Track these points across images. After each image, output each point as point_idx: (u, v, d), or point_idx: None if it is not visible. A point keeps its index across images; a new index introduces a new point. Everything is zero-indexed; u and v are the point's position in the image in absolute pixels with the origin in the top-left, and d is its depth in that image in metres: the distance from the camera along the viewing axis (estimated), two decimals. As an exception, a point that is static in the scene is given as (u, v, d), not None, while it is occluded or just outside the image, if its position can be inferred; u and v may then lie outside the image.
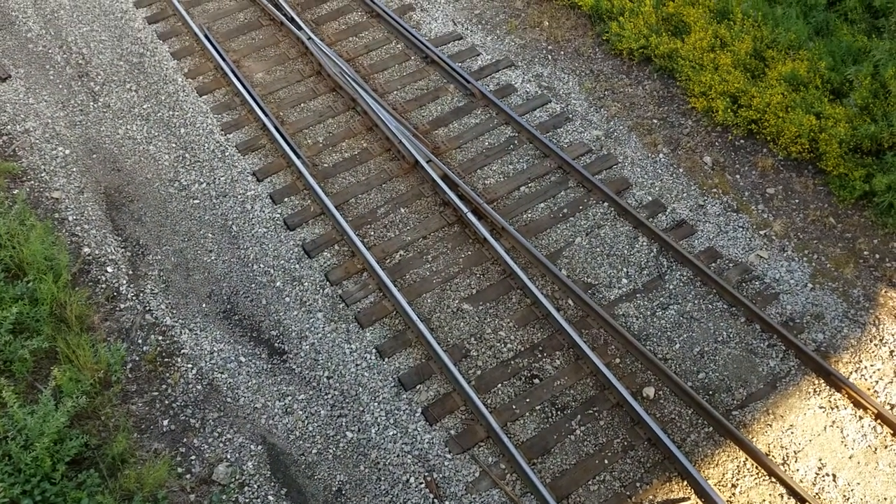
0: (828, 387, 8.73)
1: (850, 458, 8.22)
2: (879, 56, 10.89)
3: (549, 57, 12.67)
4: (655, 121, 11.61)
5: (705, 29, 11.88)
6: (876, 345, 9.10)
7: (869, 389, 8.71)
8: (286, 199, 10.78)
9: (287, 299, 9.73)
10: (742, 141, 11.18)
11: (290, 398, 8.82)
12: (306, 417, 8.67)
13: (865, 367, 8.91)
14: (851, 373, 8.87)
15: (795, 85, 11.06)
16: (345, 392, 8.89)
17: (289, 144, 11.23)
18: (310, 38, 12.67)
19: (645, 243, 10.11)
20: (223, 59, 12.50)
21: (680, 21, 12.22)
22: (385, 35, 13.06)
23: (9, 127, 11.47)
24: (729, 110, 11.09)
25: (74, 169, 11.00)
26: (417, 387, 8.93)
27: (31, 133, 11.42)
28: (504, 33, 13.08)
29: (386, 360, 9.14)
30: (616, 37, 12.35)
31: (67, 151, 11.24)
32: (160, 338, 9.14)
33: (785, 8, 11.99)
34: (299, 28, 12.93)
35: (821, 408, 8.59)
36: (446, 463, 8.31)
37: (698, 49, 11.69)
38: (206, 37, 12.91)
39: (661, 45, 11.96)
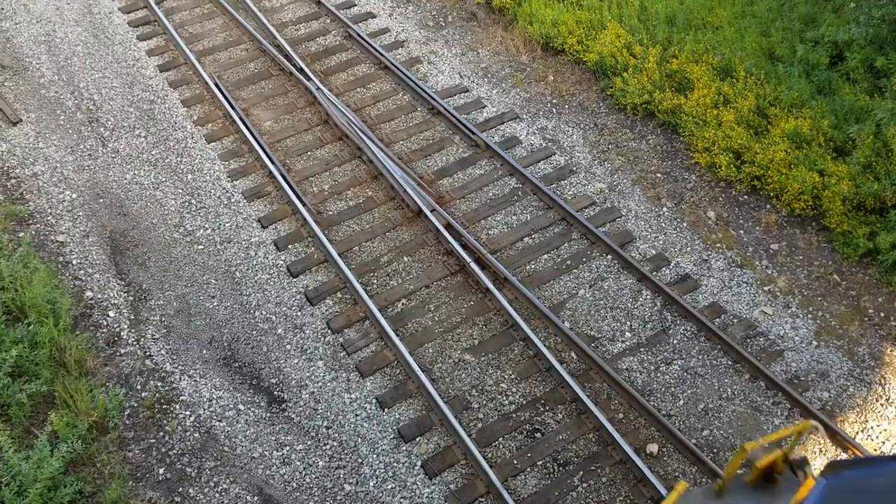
0: (834, 446, 8.59)
1: (857, 520, 8.05)
2: (881, 115, 11.00)
3: (554, 110, 12.82)
4: (659, 175, 11.68)
5: (708, 86, 12.03)
6: (882, 404, 8.99)
7: (876, 450, 8.57)
8: (290, 246, 10.81)
9: (288, 347, 9.68)
10: (745, 196, 11.22)
11: (288, 448, 8.70)
12: (304, 468, 8.54)
13: (872, 428, 8.78)
14: (858, 433, 8.74)
15: (798, 142, 11.15)
16: (343, 443, 8.77)
17: (294, 192, 11.31)
18: (318, 89, 12.86)
19: (649, 297, 10.08)
20: (232, 108, 12.66)
21: (683, 78, 12.39)
22: (392, 86, 13.25)
23: (17, 170, 11.58)
24: (732, 166, 11.17)
25: (81, 213, 11.07)
26: (417, 439, 8.82)
27: (39, 177, 11.53)
28: (510, 87, 13.27)
29: (386, 410, 9.04)
30: (620, 92, 12.51)
31: (74, 195, 11.32)
32: (159, 384, 9.07)
33: (787, 67, 12.15)
34: (308, 79, 13.13)
35: (827, 468, 8.44)
36: (445, 518, 8.16)
37: (701, 105, 11.83)
38: (217, 85, 13.11)
39: (665, 100, 12.11)
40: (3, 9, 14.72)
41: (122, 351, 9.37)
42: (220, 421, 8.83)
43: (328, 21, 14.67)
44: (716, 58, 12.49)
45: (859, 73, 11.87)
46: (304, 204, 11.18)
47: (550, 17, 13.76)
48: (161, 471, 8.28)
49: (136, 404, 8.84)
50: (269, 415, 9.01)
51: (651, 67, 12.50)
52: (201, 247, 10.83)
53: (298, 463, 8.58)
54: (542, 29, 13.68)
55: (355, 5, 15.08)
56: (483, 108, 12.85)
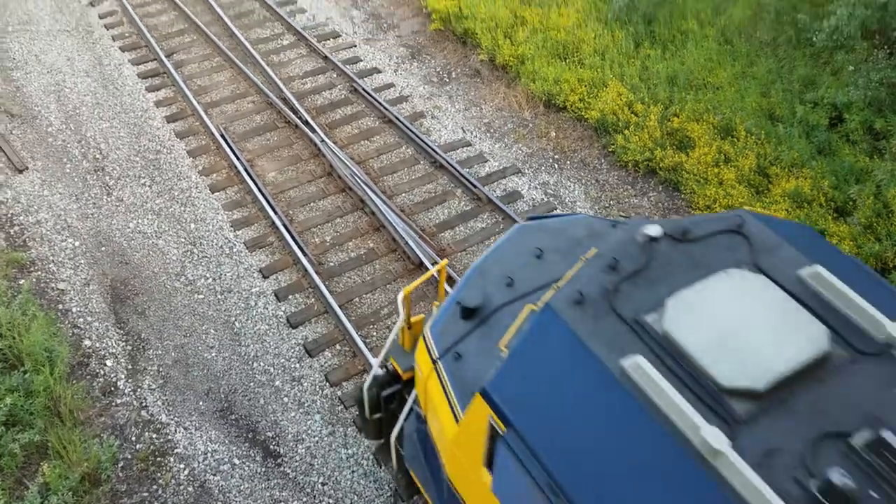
0: None
1: None
2: (881, 176, 11.07)
3: (556, 166, 12.92)
4: (660, 232, 11.69)
5: (709, 144, 12.14)
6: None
7: None
8: (290, 297, 10.78)
9: (285, 399, 9.58)
10: (747, 254, 11.21)
11: (282, 504, 8.54)
12: (298, 525, 8.37)
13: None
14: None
15: (799, 201, 11.19)
16: (339, 500, 8.61)
17: (296, 242, 11.33)
18: (323, 141, 12.99)
19: (650, 354, 9.99)
20: (237, 158, 12.78)
21: (684, 136, 12.51)
22: (396, 140, 13.39)
23: (21, 217, 11.63)
24: (733, 224, 11.18)
25: (82, 261, 11.08)
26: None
27: (42, 224, 11.57)
28: (512, 142, 13.40)
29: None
30: (622, 149, 12.63)
31: (77, 243, 11.35)
32: (154, 435, 8.95)
33: (787, 127, 12.28)
34: (313, 131, 13.28)
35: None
36: (441, 580, 7.95)
37: (703, 163, 11.92)
38: (223, 136, 13.26)
39: (666, 158, 12.20)
40: (15, 59, 15.00)
41: (118, 401, 9.28)
42: (215, 475, 8.68)
43: (334, 75, 14.91)
44: (716, 117, 12.63)
45: (859, 134, 11.99)
46: (305, 255, 11.20)
47: (553, 75, 13.97)
48: (152, 526, 8.12)
49: (130, 456, 8.71)
50: (264, 469, 8.87)
51: (652, 125, 12.64)
52: (201, 296, 10.81)
53: (293, 520, 8.41)
54: (544, 86, 13.88)
55: (361, 61, 15.35)
56: (485, 162, 12.96)
